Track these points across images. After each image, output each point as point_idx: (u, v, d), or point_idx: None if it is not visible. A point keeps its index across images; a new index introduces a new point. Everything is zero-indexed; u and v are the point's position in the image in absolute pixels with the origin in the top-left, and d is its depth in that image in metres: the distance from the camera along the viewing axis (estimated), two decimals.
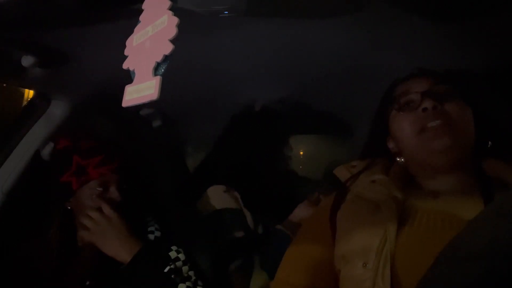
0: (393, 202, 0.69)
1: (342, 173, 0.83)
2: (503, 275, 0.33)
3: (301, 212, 1.18)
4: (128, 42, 0.50)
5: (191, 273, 0.92)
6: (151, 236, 0.98)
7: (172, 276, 0.89)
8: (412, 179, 0.77)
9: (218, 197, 1.25)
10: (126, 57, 0.50)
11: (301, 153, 1.75)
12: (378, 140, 0.83)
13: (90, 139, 1.03)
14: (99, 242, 0.91)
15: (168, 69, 0.41)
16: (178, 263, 0.92)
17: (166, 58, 0.40)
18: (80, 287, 0.90)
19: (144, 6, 0.49)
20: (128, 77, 0.47)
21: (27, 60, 0.91)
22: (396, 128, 0.75)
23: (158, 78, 0.40)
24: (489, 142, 0.72)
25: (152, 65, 0.41)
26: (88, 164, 0.97)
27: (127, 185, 1.00)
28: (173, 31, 0.40)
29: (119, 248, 0.90)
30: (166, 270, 0.89)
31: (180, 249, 0.94)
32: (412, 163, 0.76)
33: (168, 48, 0.40)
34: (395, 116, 0.76)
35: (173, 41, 0.40)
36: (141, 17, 0.49)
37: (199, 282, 0.92)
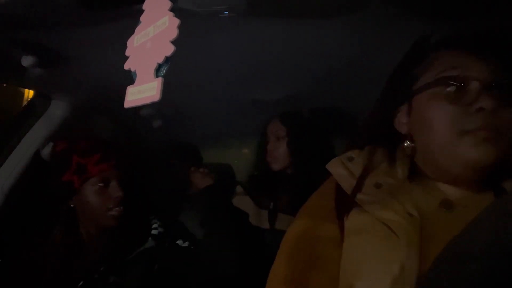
0: (409, 224, 0.52)
1: (336, 168, 0.65)
2: (504, 275, 0.33)
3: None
4: (129, 43, 0.50)
5: None
6: (155, 231, 1.03)
7: None
8: (416, 172, 0.61)
9: None
10: (126, 57, 0.50)
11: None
12: (389, 118, 0.65)
13: (86, 139, 1.06)
14: None
15: (169, 69, 0.41)
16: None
17: (167, 59, 0.40)
18: (94, 273, 0.94)
19: (144, 6, 0.49)
20: (128, 78, 0.47)
21: (27, 60, 0.91)
22: (428, 114, 0.57)
23: (160, 79, 0.40)
24: None
25: (154, 66, 0.41)
26: (87, 162, 1.00)
27: (127, 180, 1.02)
28: (174, 33, 0.40)
29: None
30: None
31: (186, 240, 1.03)
32: (429, 162, 0.59)
33: (169, 49, 0.40)
34: (432, 98, 0.56)
35: (174, 42, 0.40)
36: (142, 18, 0.49)
37: None
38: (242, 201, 1.32)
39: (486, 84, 0.53)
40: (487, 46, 0.56)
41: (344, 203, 0.61)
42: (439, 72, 0.56)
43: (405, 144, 0.61)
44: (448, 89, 0.55)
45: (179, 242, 1.02)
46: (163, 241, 1.02)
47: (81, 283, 0.92)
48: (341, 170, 0.64)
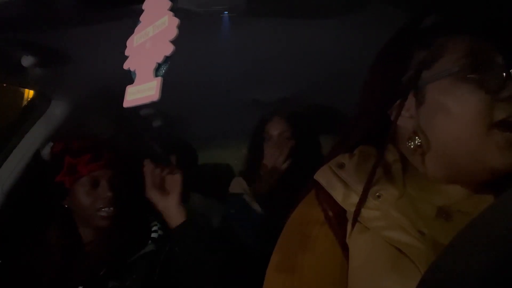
0: (424, 246, 0.45)
1: (327, 178, 0.56)
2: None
3: (266, 173, 1.23)
4: (128, 43, 0.50)
5: None
6: (155, 234, 1.02)
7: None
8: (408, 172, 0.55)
9: (230, 186, 1.37)
10: (126, 57, 0.50)
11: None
12: (383, 113, 0.57)
13: (82, 139, 1.05)
14: None
15: (169, 69, 0.41)
16: None
17: (166, 59, 0.40)
18: (93, 277, 0.93)
19: (144, 6, 0.49)
20: (128, 77, 0.47)
21: (27, 60, 0.91)
22: (453, 105, 0.49)
23: (159, 79, 0.40)
24: None
25: (153, 66, 0.41)
26: (78, 163, 1.00)
27: (121, 180, 1.01)
28: (173, 32, 0.40)
29: None
30: None
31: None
32: (442, 161, 0.52)
33: (169, 49, 0.40)
34: (458, 86, 0.49)
35: (173, 42, 0.40)
36: (142, 18, 0.49)
37: None
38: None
39: (508, 70, 0.48)
40: (503, 32, 0.51)
41: (342, 221, 0.53)
42: (459, 57, 0.50)
43: (416, 142, 0.53)
44: (475, 75, 0.49)
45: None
46: (163, 245, 1.00)
47: None
48: (333, 180, 0.55)
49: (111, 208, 0.97)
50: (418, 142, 0.53)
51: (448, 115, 0.49)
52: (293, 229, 0.58)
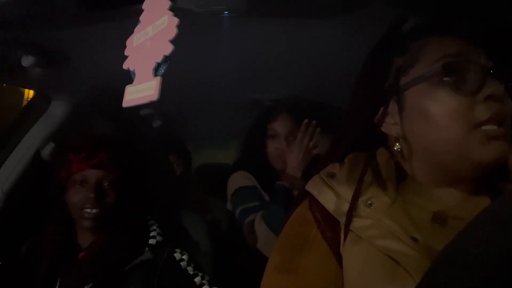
0: (417, 253, 0.45)
1: (319, 189, 0.55)
2: (499, 285, 0.32)
3: (292, 159, 1.18)
4: (128, 42, 0.50)
5: (196, 272, 0.95)
6: (153, 241, 0.98)
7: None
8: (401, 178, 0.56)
9: (234, 181, 1.30)
10: (126, 57, 0.50)
11: None
12: (368, 121, 0.58)
13: (83, 137, 1.04)
14: None
15: (169, 69, 0.41)
16: (183, 263, 0.95)
17: (166, 58, 0.40)
18: None
19: (144, 6, 0.49)
20: (128, 77, 0.47)
21: (27, 60, 0.91)
22: (430, 109, 0.50)
23: (158, 78, 0.40)
24: None
25: (152, 65, 0.41)
26: (74, 160, 0.98)
27: (111, 182, 0.98)
28: (173, 32, 0.40)
29: None
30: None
31: (184, 251, 0.97)
32: (429, 164, 0.53)
33: (168, 48, 0.40)
34: (433, 90, 0.50)
35: (173, 41, 0.40)
36: (141, 17, 0.49)
37: (206, 277, 0.96)
38: None
39: (487, 69, 0.49)
40: (477, 30, 0.52)
41: (336, 230, 0.52)
42: (434, 61, 0.50)
43: (396, 148, 0.54)
44: (451, 78, 0.49)
45: (176, 255, 0.96)
46: (161, 252, 0.95)
47: None
48: (325, 190, 0.54)
49: (94, 210, 0.94)
50: (398, 148, 0.54)
51: (428, 119, 0.50)
52: (292, 229, 0.58)
